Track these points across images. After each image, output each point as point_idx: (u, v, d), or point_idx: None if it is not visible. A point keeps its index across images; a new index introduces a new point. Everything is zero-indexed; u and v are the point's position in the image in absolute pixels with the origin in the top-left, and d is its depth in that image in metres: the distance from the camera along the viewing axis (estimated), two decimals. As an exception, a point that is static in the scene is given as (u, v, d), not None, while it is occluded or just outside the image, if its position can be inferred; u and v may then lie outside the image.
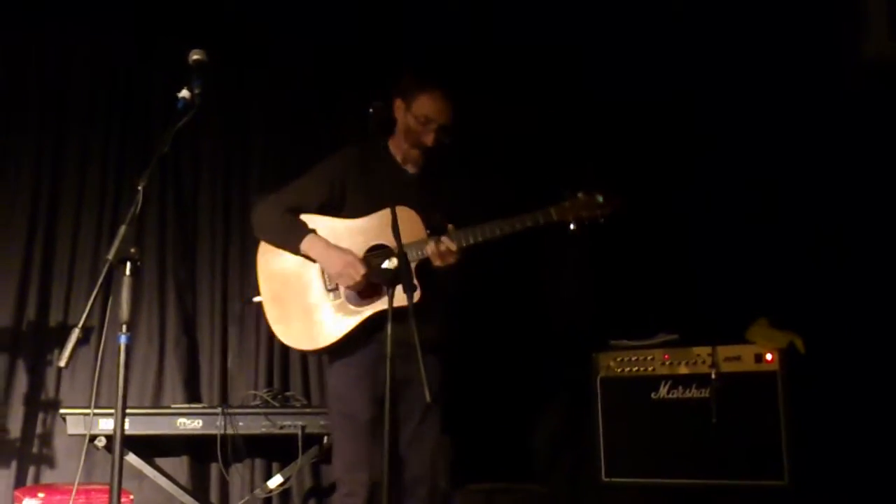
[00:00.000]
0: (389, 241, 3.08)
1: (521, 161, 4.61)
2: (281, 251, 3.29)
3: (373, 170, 3.28)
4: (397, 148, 3.36)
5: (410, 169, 3.36)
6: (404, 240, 2.93)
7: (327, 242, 3.20)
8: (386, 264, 3.05)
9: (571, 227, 3.16)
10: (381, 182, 3.19)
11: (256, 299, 3.38)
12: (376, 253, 3.20)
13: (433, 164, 3.37)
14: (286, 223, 3.26)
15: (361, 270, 3.13)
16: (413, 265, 3.06)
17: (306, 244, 3.21)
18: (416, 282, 3.00)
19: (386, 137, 3.37)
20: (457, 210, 3.23)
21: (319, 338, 3.23)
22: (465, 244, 3.13)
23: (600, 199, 3.15)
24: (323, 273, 3.25)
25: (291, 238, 3.23)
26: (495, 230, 3.14)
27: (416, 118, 3.26)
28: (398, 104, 3.32)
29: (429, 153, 3.30)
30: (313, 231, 3.22)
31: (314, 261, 3.24)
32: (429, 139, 3.26)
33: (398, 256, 2.85)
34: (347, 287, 3.18)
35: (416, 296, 2.88)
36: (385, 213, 3.08)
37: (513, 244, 3.72)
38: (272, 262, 3.31)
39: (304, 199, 3.29)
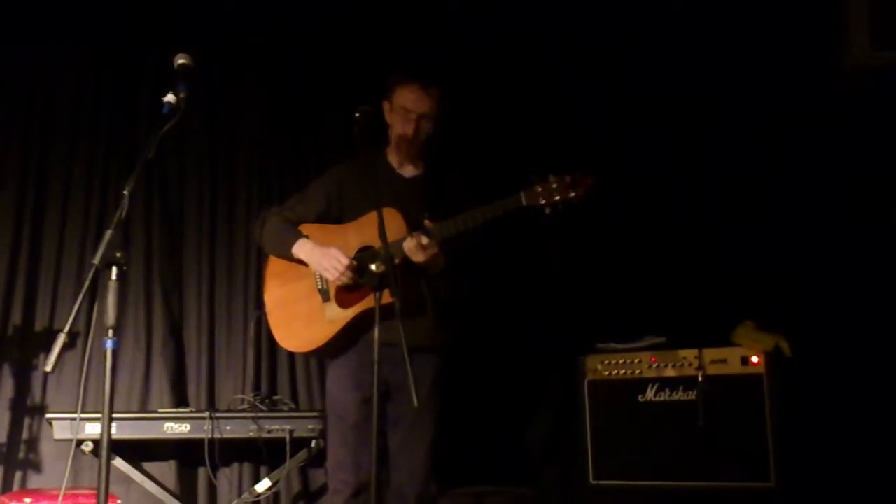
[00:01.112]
0: (375, 242, 3.11)
1: (518, 151, 4.61)
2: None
3: (369, 178, 3.28)
4: (393, 154, 3.40)
5: (407, 173, 3.38)
6: (388, 239, 2.95)
7: (314, 245, 3.26)
8: (372, 268, 3.10)
9: (546, 211, 3.13)
10: (377, 188, 3.20)
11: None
12: (365, 254, 3.23)
13: (431, 164, 3.40)
14: (282, 230, 3.34)
15: (344, 261, 3.16)
16: (395, 262, 3.07)
17: (297, 247, 3.27)
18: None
19: (383, 146, 3.41)
20: (458, 208, 3.21)
21: (310, 340, 3.29)
22: (440, 237, 3.13)
23: (569, 179, 3.12)
24: (316, 276, 3.28)
25: (285, 243, 3.30)
26: (468, 220, 3.13)
27: (396, 112, 3.30)
28: (386, 107, 3.37)
29: (416, 145, 3.33)
30: (306, 236, 3.28)
31: (306, 264, 3.29)
32: (409, 129, 3.29)
33: (384, 259, 2.88)
34: (335, 280, 3.20)
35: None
36: (371, 216, 3.13)
37: (499, 244, 3.73)
38: (277, 271, 3.38)
39: (302, 212, 3.38)
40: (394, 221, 3.13)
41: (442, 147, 3.43)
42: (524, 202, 3.13)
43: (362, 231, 3.25)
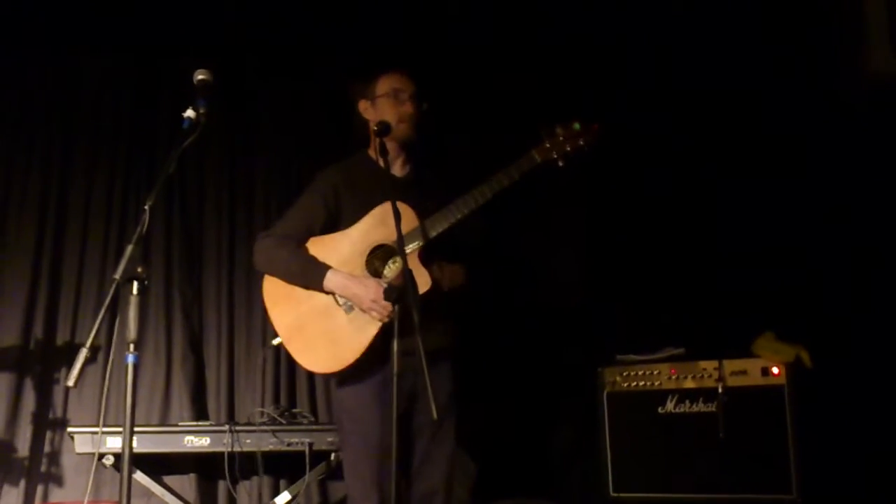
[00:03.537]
0: (386, 238, 3.10)
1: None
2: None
3: (361, 180, 3.24)
4: (377, 154, 3.26)
5: (397, 172, 3.30)
6: (403, 231, 2.94)
7: (345, 275, 3.13)
8: (386, 273, 3.11)
9: (560, 164, 3.11)
10: (371, 189, 3.16)
11: (276, 341, 3.34)
12: (377, 253, 3.16)
13: (416, 164, 3.32)
14: (302, 262, 3.19)
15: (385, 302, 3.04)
16: (415, 252, 3.06)
17: (327, 282, 3.14)
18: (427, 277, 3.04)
19: (363, 149, 3.35)
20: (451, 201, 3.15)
21: (345, 355, 3.13)
22: (454, 219, 3.09)
23: (577, 126, 3.11)
24: None
25: (310, 278, 3.17)
26: (486, 192, 3.08)
27: (387, 95, 3.24)
28: (364, 105, 3.31)
29: (415, 129, 3.26)
30: (330, 267, 3.16)
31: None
32: (408, 107, 3.23)
33: (399, 253, 2.86)
34: (381, 320, 3.08)
35: (427, 284, 2.97)
36: (375, 213, 3.12)
37: (519, 257, 3.69)
38: (281, 295, 3.24)
39: (307, 226, 3.25)
40: (404, 212, 3.03)
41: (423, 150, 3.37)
42: (538, 159, 3.11)
43: (370, 230, 3.16)
